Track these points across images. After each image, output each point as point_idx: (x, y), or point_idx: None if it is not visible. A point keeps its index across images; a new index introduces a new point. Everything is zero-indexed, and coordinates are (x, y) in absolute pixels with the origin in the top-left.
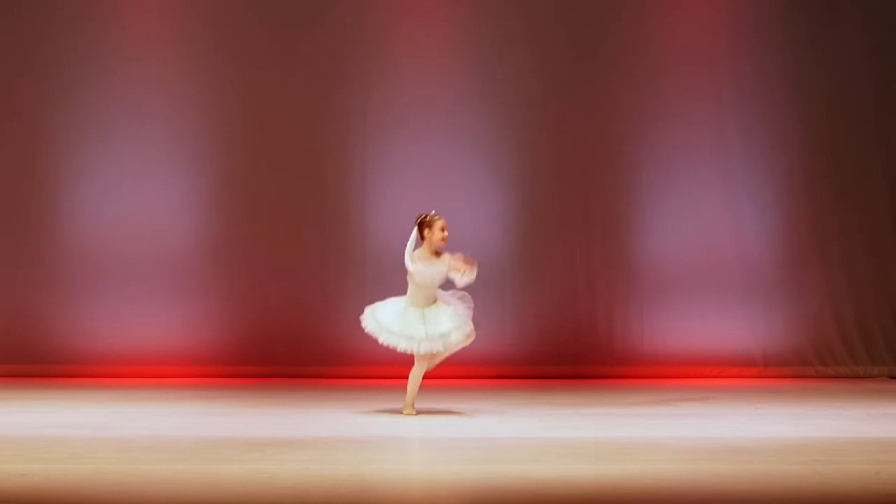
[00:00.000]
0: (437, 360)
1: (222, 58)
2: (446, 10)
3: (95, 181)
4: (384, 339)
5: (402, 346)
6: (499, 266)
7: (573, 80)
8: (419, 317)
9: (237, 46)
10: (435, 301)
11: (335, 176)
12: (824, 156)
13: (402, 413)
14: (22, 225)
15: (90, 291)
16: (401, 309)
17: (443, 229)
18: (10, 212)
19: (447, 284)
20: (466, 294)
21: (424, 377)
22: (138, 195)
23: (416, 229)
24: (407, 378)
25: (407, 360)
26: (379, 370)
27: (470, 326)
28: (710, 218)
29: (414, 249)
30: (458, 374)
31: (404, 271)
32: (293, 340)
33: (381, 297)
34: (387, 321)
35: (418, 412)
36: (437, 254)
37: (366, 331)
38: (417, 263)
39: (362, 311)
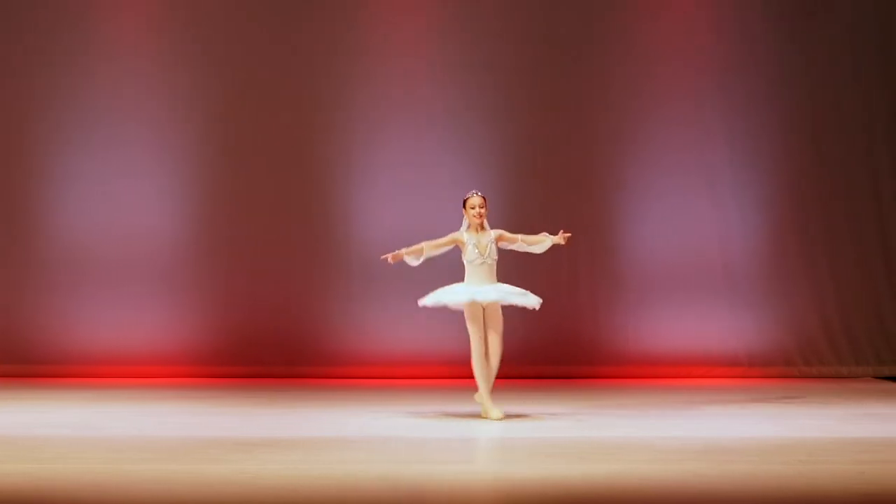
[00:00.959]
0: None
1: (208, 58)
2: (433, 10)
3: (81, 181)
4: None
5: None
6: None
7: (558, 81)
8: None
9: (223, 47)
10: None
11: (321, 176)
12: (809, 157)
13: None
14: (8, 225)
15: (77, 291)
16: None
17: (472, 206)
18: None
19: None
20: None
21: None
22: (124, 195)
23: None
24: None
25: (392, 361)
26: (365, 370)
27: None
28: (696, 219)
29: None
30: (444, 374)
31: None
32: (279, 340)
33: (367, 297)
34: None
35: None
36: (481, 228)
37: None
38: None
39: (348, 311)
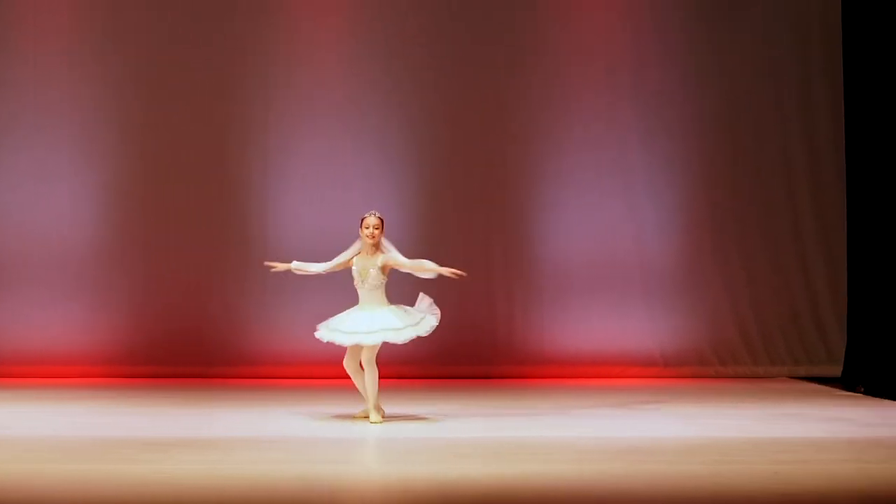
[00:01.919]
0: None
1: (121, 57)
2: (349, 12)
3: None
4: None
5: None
6: None
7: (473, 80)
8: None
9: (139, 51)
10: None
11: (236, 175)
12: (724, 157)
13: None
14: None
15: None
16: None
17: (367, 226)
18: None
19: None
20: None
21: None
22: (36, 195)
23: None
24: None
25: (308, 360)
26: (280, 370)
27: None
28: (611, 219)
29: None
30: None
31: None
32: (195, 340)
33: (281, 298)
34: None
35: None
36: (374, 250)
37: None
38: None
39: (263, 311)
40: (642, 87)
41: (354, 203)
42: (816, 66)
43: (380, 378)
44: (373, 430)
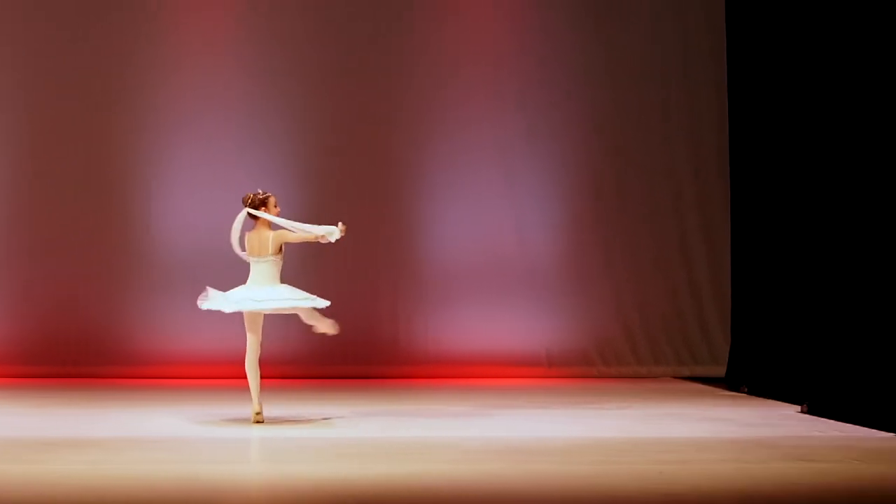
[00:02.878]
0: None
1: (6, 59)
2: (232, 12)
3: None
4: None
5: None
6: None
7: (359, 81)
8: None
9: (15, 46)
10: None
11: (120, 175)
12: (609, 158)
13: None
14: None
15: None
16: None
17: (276, 205)
18: None
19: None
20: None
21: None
22: None
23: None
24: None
25: (193, 360)
26: (165, 370)
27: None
28: (495, 218)
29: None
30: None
31: (190, 270)
32: (80, 340)
33: (168, 297)
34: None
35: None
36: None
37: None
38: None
39: (148, 310)
40: (527, 87)
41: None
42: (701, 65)
43: (263, 378)
44: (256, 431)
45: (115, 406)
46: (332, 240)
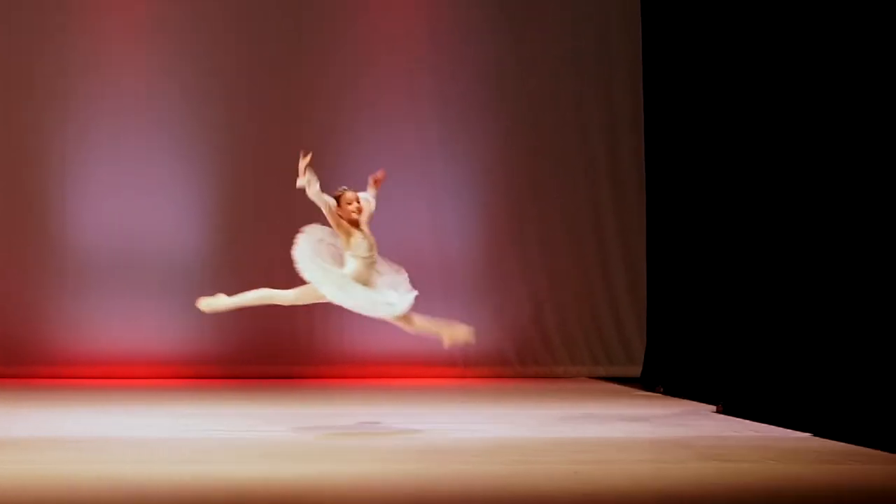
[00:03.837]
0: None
1: None
2: (144, 6)
3: None
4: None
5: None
6: (197, 264)
7: (274, 77)
8: None
9: None
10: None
11: (33, 174)
12: (525, 158)
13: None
14: None
15: None
16: None
17: (349, 202)
18: None
19: None
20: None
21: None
22: None
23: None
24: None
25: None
26: (80, 370)
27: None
28: (412, 218)
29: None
30: (157, 374)
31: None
32: None
33: (84, 297)
34: None
35: None
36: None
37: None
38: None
39: (63, 311)
40: (442, 81)
41: (153, 202)
42: (616, 65)
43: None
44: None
45: (32, 406)
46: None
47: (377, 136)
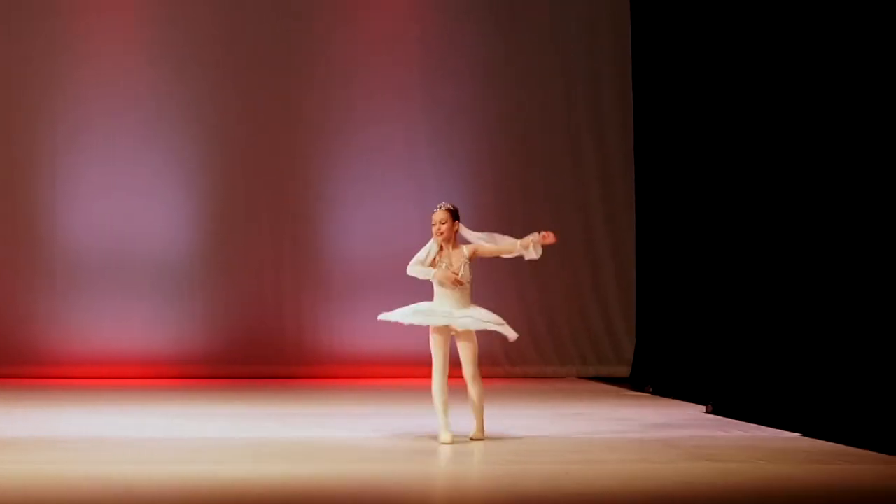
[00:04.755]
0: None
1: None
2: (133, 6)
3: None
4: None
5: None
6: (187, 265)
7: (263, 78)
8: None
9: None
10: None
11: (23, 175)
12: (515, 159)
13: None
14: None
15: None
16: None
17: (433, 223)
18: None
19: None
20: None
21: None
22: None
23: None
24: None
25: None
26: (73, 370)
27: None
28: (401, 217)
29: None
30: (148, 374)
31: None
32: None
33: (73, 297)
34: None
35: None
36: (454, 246)
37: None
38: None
39: (53, 311)
40: (431, 82)
41: (143, 203)
42: (605, 64)
43: (171, 379)
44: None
45: (22, 406)
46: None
47: (366, 137)
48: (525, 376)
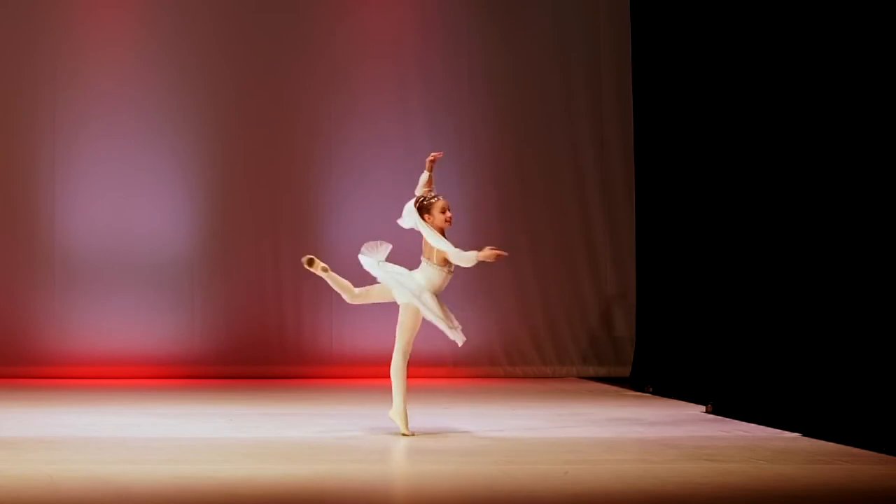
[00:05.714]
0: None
1: None
2: (133, 4)
3: None
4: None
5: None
6: (187, 266)
7: (262, 75)
8: None
9: None
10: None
11: (23, 174)
12: (514, 157)
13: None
14: None
15: None
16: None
17: (443, 210)
18: None
19: None
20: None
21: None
22: None
23: (415, 213)
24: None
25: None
26: (71, 370)
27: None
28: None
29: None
30: (146, 374)
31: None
32: None
33: (73, 297)
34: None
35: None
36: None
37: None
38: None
39: (52, 310)
40: (431, 83)
41: (142, 203)
42: (606, 66)
43: (170, 379)
44: (161, 430)
45: (22, 406)
46: (470, 264)
47: (365, 136)
48: (525, 376)
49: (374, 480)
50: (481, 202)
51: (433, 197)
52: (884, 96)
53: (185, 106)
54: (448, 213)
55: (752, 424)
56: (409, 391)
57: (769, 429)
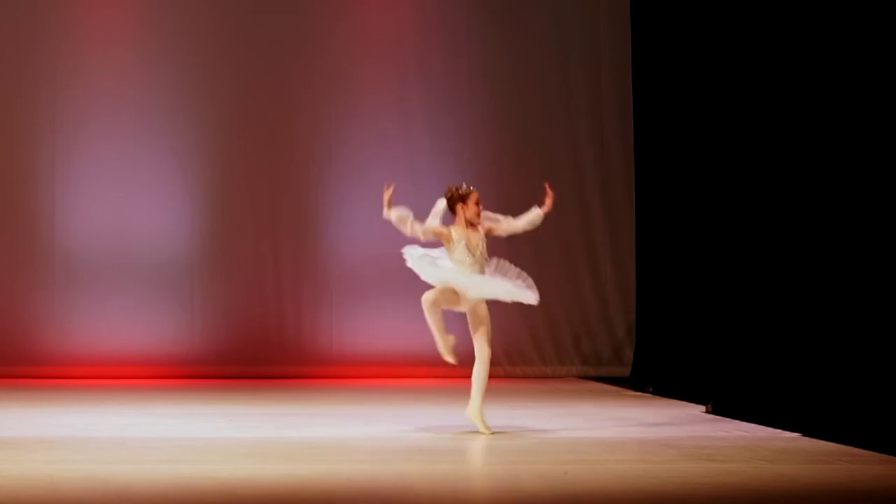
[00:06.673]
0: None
1: None
2: (133, 5)
3: None
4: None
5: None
6: (187, 266)
7: (263, 76)
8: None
9: None
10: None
11: (23, 174)
12: (514, 157)
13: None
14: None
15: None
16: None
17: (477, 202)
18: None
19: None
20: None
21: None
22: None
23: (444, 203)
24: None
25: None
26: (71, 370)
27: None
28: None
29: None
30: (146, 374)
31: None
32: None
33: (72, 297)
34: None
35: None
36: (473, 226)
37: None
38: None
39: (52, 311)
40: (429, 79)
41: (142, 203)
42: (606, 66)
43: (171, 379)
44: (160, 430)
45: (22, 406)
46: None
47: (365, 136)
48: (525, 376)
49: (373, 481)
50: (481, 202)
51: (468, 189)
52: (883, 97)
53: (185, 106)
54: (479, 206)
55: (752, 424)
56: (408, 391)
57: (769, 429)
